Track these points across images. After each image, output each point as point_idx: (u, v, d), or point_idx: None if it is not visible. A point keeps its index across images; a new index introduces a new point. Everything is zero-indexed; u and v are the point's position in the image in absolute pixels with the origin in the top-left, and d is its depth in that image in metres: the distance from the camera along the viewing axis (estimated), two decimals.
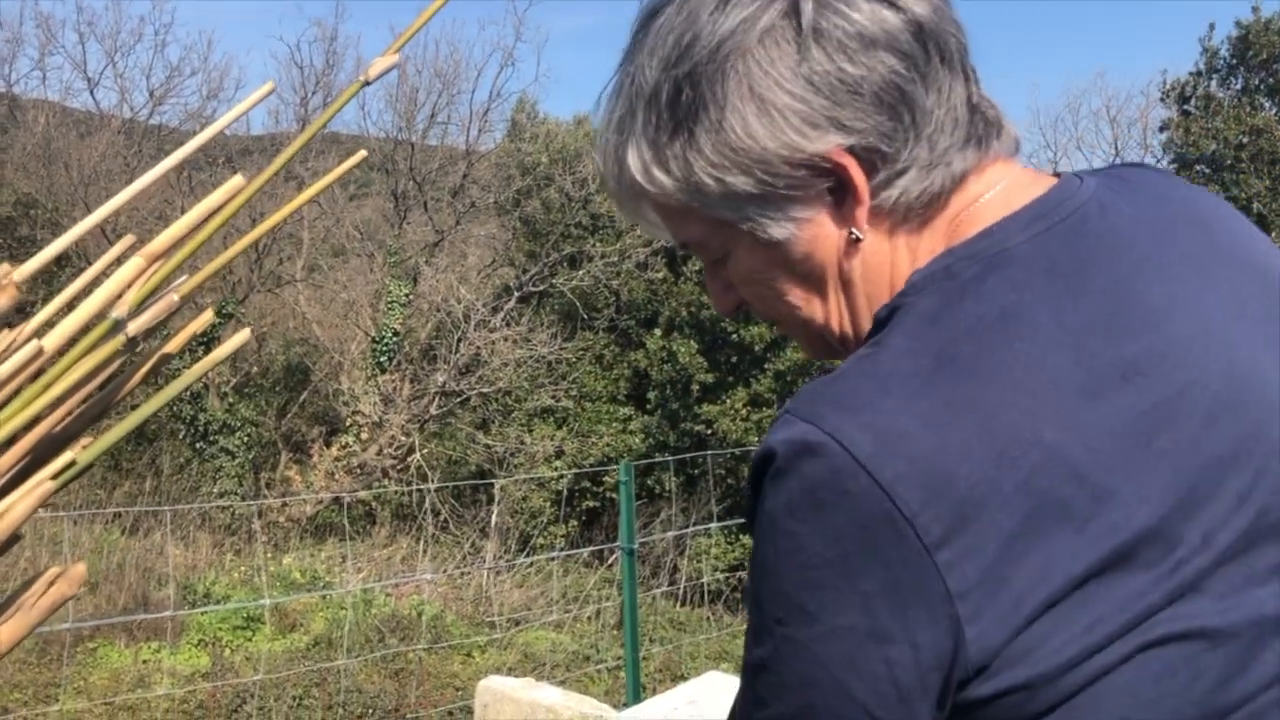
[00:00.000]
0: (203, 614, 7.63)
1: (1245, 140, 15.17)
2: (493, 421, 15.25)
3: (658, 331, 15.26)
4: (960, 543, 0.68)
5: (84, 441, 0.89)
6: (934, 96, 0.77)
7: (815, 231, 0.80)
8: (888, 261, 0.81)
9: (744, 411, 14.01)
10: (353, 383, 14.92)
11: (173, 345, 1.00)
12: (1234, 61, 16.16)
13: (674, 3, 0.81)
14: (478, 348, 14.95)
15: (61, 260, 11.65)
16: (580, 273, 15.59)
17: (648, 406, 15.33)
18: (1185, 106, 16.28)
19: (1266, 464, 0.74)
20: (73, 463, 0.86)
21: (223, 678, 6.42)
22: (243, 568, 9.99)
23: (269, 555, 10.37)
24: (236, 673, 6.63)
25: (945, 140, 0.78)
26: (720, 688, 2.45)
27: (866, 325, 0.82)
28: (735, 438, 13.43)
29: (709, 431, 14.09)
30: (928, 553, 0.68)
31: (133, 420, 0.91)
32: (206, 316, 1.05)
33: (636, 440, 14.87)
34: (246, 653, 7.33)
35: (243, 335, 0.99)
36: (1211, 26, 16.40)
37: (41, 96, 17.79)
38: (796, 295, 0.84)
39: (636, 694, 3.21)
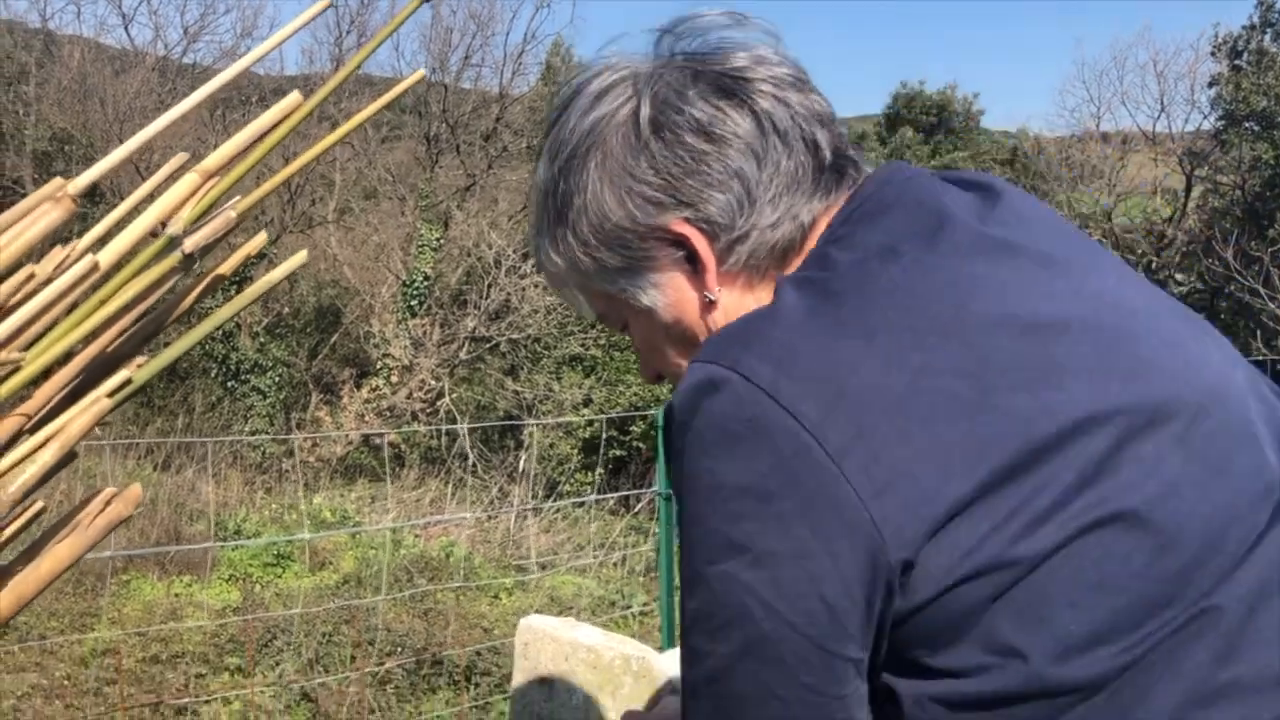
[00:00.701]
0: (234, 549, 7.73)
1: None
2: (522, 368, 15.28)
3: None
4: (863, 448, 0.73)
5: (139, 360, 0.87)
6: (769, 169, 0.88)
7: (676, 296, 0.92)
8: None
9: None
10: (383, 326, 14.97)
11: (227, 266, 0.98)
12: None
13: (565, 111, 0.94)
14: (508, 294, 14.94)
15: (95, 195, 11.70)
16: None
17: None
18: (1236, 61, 15.89)
19: (1150, 355, 0.80)
20: (128, 381, 0.84)
21: (253, 612, 6.51)
22: (273, 505, 10.11)
23: (300, 494, 10.49)
24: (267, 608, 6.72)
25: (788, 200, 0.89)
26: None
27: None
28: None
29: None
30: (833, 461, 0.73)
31: (188, 340, 0.89)
32: (260, 239, 1.02)
33: (664, 390, 14.87)
34: (277, 589, 7.44)
35: (300, 256, 0.96)
36: None
37: (76, 32, 17.80)
38: (681, 357, 0.95)
39: (670, 638, 3.22)
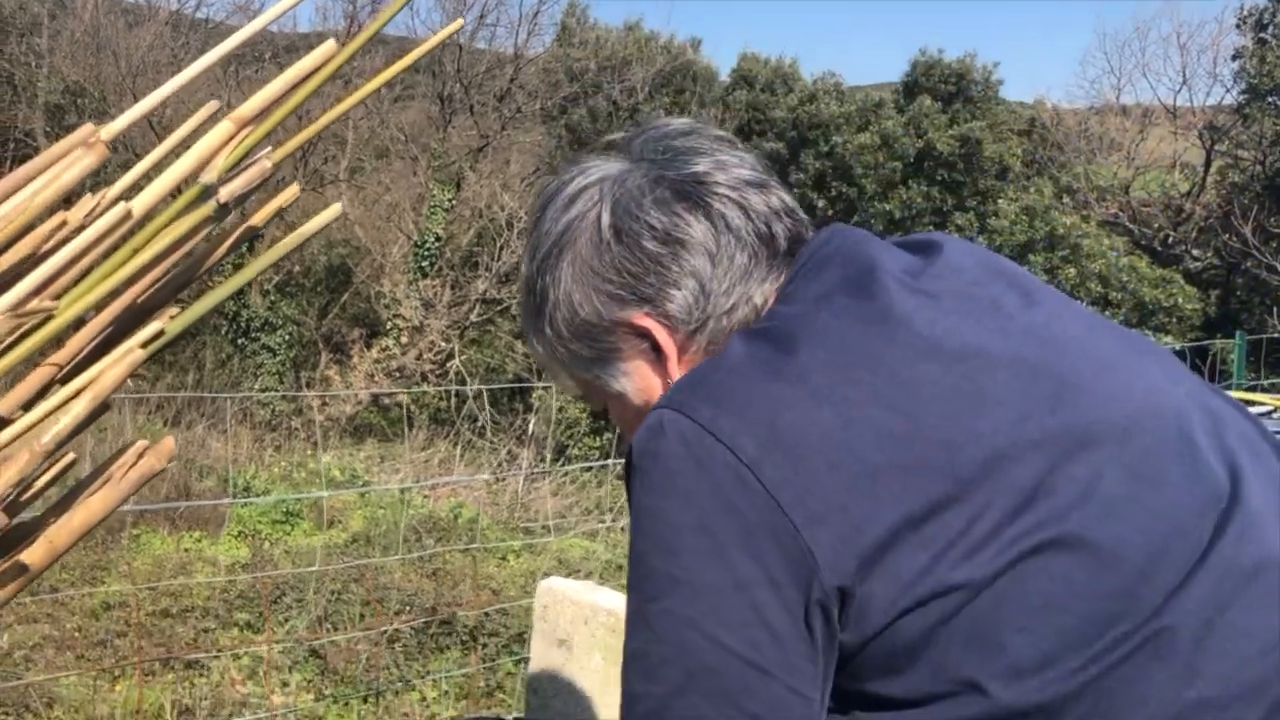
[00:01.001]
0: (244, 506, 7.76)
1: None
2: None
3: None
4: (798, 480, 0.77)
5: (171, 312, 0.85)
6: (724, 265, 0.94)
7: (644, 383, 0.98)
8: None
9: None
10: (394, 286, 14.95)
11: (259, 218, 0.96)
12: None
13: (544, 212, 1.01)
14: (519, 256, 14.88)
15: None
16: None
17: None
18: (1262, 34, 15.69)
19: (1080, 381, 0.84)
20: (161, 333, 0.82)
21: (262, 569, 6.54)
22: (282, 463, 10.14)
23: (309, 453, 10.52)
24: (276, 565, 6.76)
25: (741, 288, 0.95)
26: None
27: None
28: None
29: None
30: (769, 494, 0.77)
31: (221, 292, 0.87)
32: (292, 191, 1.01)
33: None
34: (286, 546, 7.47)
35: (335, 209, 0.95)
36: None
37: None
38: None
39: None
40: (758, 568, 0.77)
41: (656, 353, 0.97)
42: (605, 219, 0.96)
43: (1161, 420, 0.84)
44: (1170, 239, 16.10)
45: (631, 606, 0.83)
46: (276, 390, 13.23)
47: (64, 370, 0.81)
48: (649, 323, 0.95)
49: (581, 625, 1.68)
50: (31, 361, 0.82)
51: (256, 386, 13.37)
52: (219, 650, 5.18)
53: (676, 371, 0.95)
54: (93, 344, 0.83)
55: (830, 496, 0.77)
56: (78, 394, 0.75)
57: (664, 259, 0.94)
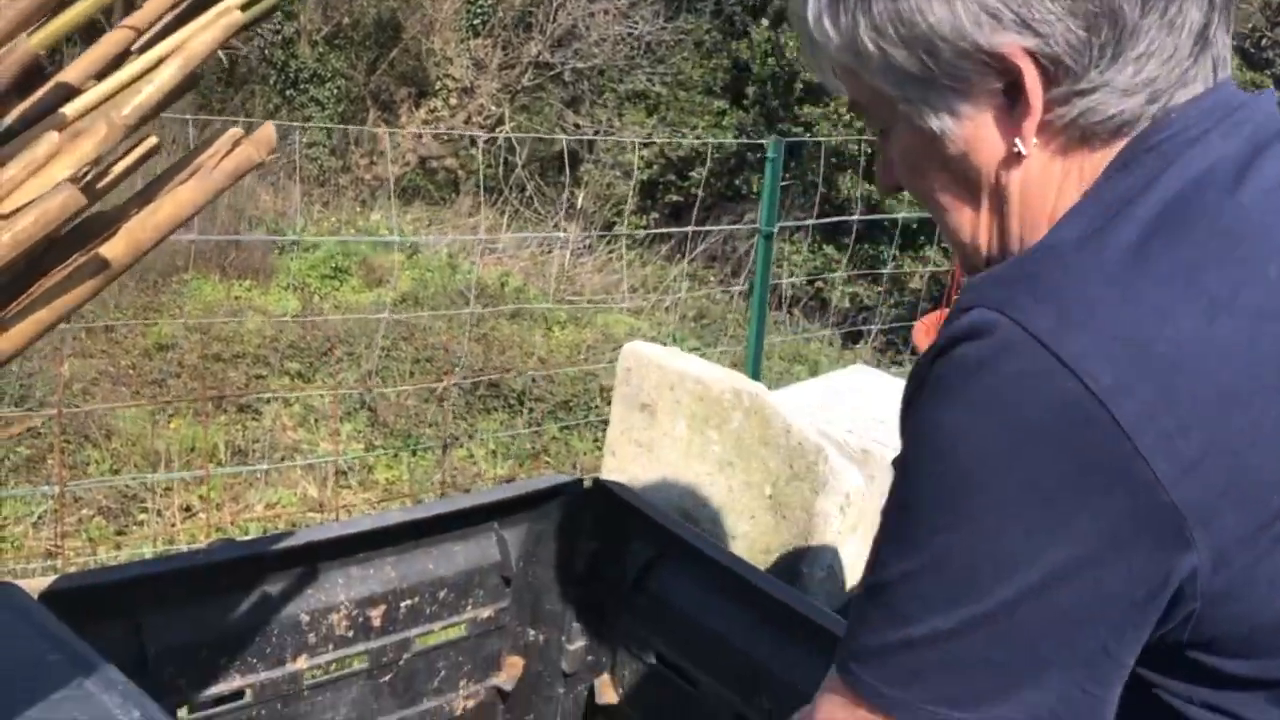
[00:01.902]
0: (294, 258, 7.76)
1: None
2: (583, 101, 14.84)
3: (765, 21, 14.41)
4: (1168, 418, 0.59)
5: None
6: (1153, 16, 0.67)
7: (975, 133, 0.72)
8: (1053, 187, 0.71)
9: (848, 116, 13.43)
10: (444, 44, 14.46)
11: None
12: None
13: None
14: (575, 19, 14.29)
15: None
16: None
17: (745, 102, 14.74)
18: None
19: None
20: None
21: (311, 321, 6.58)
22: (331, 219, 10.11)
23: (357, 210, 10.45)
24: (325, 317, 6.79)
25: (1154, 68, 0.68)
26: (869, 380, 2.36)
27: (1015, 251, 0.74)
28: (835, 143, 12.96)
29: (807, 134, 13.58)
30: (1126, 435, 0.58)
31: None
32: None
33: (729, 136, 14.43)
34: (335, 300, 7.50)
35: None
36: None
37: None
38: (946, 197, 0.76)
39: (757, 377, 3.18)
40: (1095, 533, 0.60)
41: (1012, 103, 0.70)
42: None
43: None
44: (1264, 41, 15.14)
45: (904, 526, 0.66)
46: (324, 145, 13.06)
47: (143, 38, 0.68)
48: (1025, 63, 0.68)
49: (667, 391, 1.60)
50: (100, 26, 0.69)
51: (305, 140, 13.18)
52: (271, 395, 5.26)
53: (1029, 141, 0.70)
54: (174, 10, 0.70)
55: (1216, 439, 0.59)
56: (164, 61, 0.62)
57: None
